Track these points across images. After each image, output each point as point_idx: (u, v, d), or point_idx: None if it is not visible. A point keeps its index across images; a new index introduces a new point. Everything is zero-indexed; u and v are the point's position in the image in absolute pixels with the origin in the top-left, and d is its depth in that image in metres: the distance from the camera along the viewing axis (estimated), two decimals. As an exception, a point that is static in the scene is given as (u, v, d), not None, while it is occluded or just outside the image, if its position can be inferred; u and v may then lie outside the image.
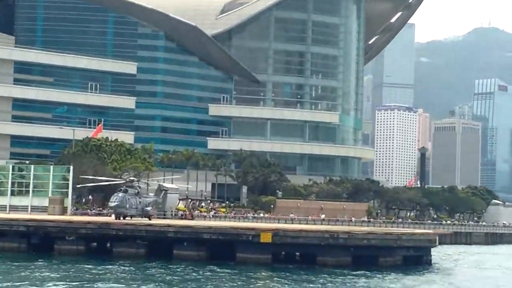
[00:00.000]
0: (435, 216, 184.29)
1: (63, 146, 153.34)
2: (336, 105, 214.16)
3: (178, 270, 61.43)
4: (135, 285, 52.00)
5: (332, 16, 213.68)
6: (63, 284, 51.02)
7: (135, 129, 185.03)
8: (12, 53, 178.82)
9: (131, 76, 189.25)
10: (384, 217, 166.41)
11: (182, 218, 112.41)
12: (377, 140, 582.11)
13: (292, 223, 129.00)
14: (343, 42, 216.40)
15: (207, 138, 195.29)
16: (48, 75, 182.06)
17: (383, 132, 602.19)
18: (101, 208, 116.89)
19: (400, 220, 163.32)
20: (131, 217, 79.32)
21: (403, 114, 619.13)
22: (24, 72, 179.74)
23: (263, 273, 61.72)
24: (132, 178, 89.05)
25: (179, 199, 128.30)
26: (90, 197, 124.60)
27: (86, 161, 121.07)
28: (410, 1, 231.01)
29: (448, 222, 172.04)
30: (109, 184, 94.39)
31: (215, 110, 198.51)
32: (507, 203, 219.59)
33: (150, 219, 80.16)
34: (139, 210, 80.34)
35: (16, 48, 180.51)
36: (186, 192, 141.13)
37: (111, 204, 79.21)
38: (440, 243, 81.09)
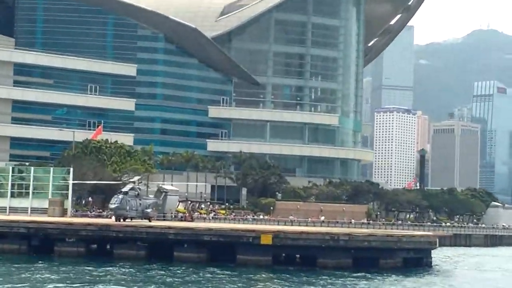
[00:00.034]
0: (434, 218, 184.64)
1: (63, 148, 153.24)
2: (336, 107, 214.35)
3: (179, 272, 61.36)
4: (135, 287, 51.98)
5: (332, 18, 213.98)
6: (63, 286, 50.94)
7: (134, 131, 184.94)
8: (12, 55, 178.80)
9: (130, 78, 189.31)
10: (383, 219, 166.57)
11: (182, 220, 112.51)
12: (376, 142, 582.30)
13: (292, 225, 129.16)
14: (343, 44, 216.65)
15: (207, 140, 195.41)
16: (48, 77, 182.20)
17: (382, 134, 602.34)
18: (101, 210, 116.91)
19: (399, 222, 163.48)
20: (131, 219, 79.27)
21: (402, 116, 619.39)
22: (24, 74, 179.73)
23: (264, 275, 61.64)
24: (133, 180, 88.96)
25: (179, 201, 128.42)
26: (90, 199, 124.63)
27: (86, 163, 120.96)
28: (409, 3, 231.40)
29: (448, 224, 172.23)
30: (110, 186, 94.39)
31: (214, 112, 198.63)
32: (506, 205, 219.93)
33: (150, 221, 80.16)
34: (139, 212, 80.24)
35: (16, 50, 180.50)
36: (186, 194, 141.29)
37: (111, 206, 79.13)
38: (439, 245, 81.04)
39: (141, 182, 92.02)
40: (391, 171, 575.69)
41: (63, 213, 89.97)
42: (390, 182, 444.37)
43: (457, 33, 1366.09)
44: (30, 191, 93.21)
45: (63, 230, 71.21)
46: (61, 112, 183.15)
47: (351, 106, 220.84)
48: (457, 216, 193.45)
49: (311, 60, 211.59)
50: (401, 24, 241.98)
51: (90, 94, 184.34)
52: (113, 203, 78.44)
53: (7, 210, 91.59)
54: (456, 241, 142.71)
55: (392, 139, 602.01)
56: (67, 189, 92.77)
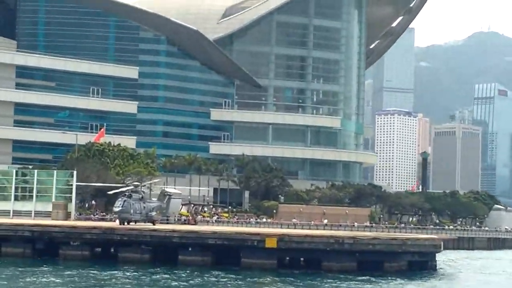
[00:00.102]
0: (437, 221, 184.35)
1: (65, 151, 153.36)
2: (338, 110, 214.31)
3: (183, 275, 61.35)
4: (140, 291, 52.02)
5: (334, 21, 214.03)
6: (68, 290, 51.00)
7: (137, 133, 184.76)
8: (14, 58, 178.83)
9: (132, 81, 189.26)
10: (386, 222, 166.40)
11: (185, 223, 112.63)
12: (377, 145, 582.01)
13: (295, 228, 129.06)
14: (345, 46, 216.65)
15: (209, 142, 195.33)
16: (50, 79, 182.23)
17: (383, 136, 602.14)
18: (104, 213, 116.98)
19: (402, 225, 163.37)
20: (135, 222, 79.20)
21: (403, 118, 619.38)
22: (26, 76, 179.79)
23: (268, 279, 61.62)
24: (136, 183, 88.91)
25: (182, 204, 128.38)
26: (93, 202, 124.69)
27: (89, 166, 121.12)
28: (411, 5, 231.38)
29: (451, 227, 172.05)
30: (113, 189, 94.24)
31: (216, 114, 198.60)
32: (509, 208, 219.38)
33: (154, 224, 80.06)
34: (143, 215, 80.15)
35: (18, 52, 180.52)
36: (189, 197, 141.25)
37: (116, 209, 79.05)
38: (443, 248, 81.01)
39: (144, 185, 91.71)
40: (392, 174, 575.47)
41: (67, 216, 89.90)
42: (391, 185, 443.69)
43: (458, 35, 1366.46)
44: (34, 194, 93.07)
45: (68, 233, 71.27)
46: (63, 115, 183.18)
47: (353, 108, 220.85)
48: (460, 219, 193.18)
49: (313, 62, 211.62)
50: (402, 26, 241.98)
51: (92, 97, 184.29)
52: (117, 206, 78.33)
53: (11, 214, 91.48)
54: (459, 244, 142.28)
55: (393, 142, 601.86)
56: (71, 192, 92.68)
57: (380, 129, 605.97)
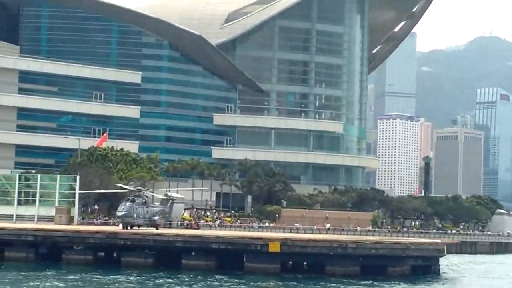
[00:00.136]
0: (440, 225, 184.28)
1: (68, 156, 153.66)
2: (340, 115, 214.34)
3: (187, 279, 61.39)
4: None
5: (336, 26, 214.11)
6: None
7: (139, 138, 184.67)
8: (16, 63, 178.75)
9: (135, 86, 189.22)
10: (388, 227, 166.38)
11: (187, 228, 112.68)
12: (379, 149, 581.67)
13: (298, 232, 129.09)
14: (347, 51, 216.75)
15: (212, 147, 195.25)
16: (53, 84, 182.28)
17: (385, 141, 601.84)
18: (107, 218, 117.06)
19: (405, 229, 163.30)
20: (139, 227, 79.22)
21: (405, 123, 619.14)
22: (29, 81, 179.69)
23: (272, 283, 61.63)
24: (139, 188, 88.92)
25: (185, 209, 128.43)
26: (96, 206, 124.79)
27: (92, 171, 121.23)
28: (413, 10, 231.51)
29: (454, 231, 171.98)
30: (116, 194, 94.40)
31: (219, 119, 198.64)
32: (511, 212, 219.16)
33: (157, 229, 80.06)
34: (146, 219, 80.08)
35: (21, 57, 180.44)
36: (191, 201, 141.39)
37: (119, 213, 79.00)
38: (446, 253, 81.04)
39: (148, 189, 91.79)
40: (394, 178, 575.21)
41: (70, 221, 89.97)
42: (393, 189, 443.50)
43: (459, 40, 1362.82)
44: (37, 199, 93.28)
45: (71, 238, 71.34)
46: (66, 119, 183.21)
47: (356, 113, 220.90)
48: (462, 224, 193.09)
49: (316, 67, 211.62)
50: (405, 31, 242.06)
51: (94, 102, 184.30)
52: (121, 210, 78.31)
53: (14, 218, 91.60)
54: (462, 248, 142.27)
55: (395, 146, 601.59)
56: (74, 197, 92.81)
57: (382, 133, 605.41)
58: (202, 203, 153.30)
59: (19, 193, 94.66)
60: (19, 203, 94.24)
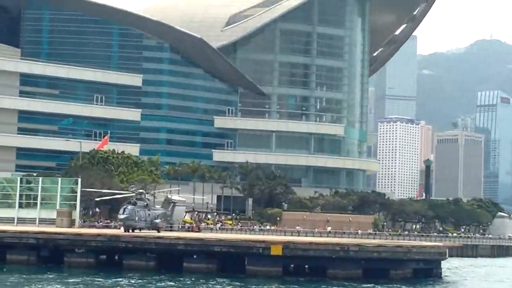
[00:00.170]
0: (440, 228, 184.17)
1: (69, 159, 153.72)
2: (341, 117, 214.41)
3: (188, 282, 61.39)
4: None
5: (337, 28, 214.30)
6: (74, 297, 51.02)
7: (140, 141, 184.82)
8: (17, 66, 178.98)
9: (136, 88, 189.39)
10: (390, 230, 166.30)
11: (188, 231, 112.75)
12: (379, 152, 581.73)
13: (299, 235, 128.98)
14: (348, 54, 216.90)
15: (213, 150, 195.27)
16: (54, 87, 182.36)
17: (386, 144, 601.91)
18: (108, 221, 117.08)
19: (406, 232, 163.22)
20: (140, 230, 79.17)
21: (405, 126, 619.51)
22: (30, 84, 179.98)
23: (274, 286, 61.56)
24: (141, 191, 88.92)
25: (185, 212, 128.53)
26: (97, 209, 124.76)
27: (94, 174, 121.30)
28: (414, 13, 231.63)
29: (455, 234, 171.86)
30: (117, 197, 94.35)
31: (220, 122, 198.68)
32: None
33: (159, 232, 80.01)
34: (148, 222, 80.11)
35: (22, 60, 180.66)
36: (192, 204, 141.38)
37: (121, 216, 78.99)
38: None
39: (148, 193, 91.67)
40: (394, 182, 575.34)
41: (71, 223, 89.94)
42: (394, 192, 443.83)
43: (460, 43, 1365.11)
44: (38, 201, 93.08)
45: (73, 240, 71.23)
46: (67, 122, 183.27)
47: (357, 116, 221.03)
48: (463, 227, 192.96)
49: (316, 70, 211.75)
50: (406, 34, 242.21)
51: (95, 104, 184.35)
52: (122, 213, 78.27)
53: (15, 221, 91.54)
54: (463, 251, 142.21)
55: (395, 149, 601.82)
56: (75, 200, 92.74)
57: (383, 136, 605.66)
58: (203, 206, 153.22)
59: (21, 196, 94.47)
60: (20, 206, 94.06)
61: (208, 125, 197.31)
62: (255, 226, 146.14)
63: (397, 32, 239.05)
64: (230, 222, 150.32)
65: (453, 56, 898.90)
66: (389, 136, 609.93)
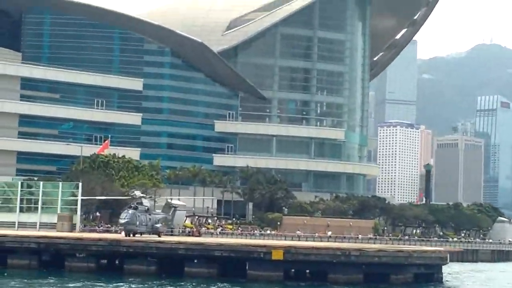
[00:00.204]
0: (441, 233, 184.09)
1: (69, 163, 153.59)
2: (342, 122, 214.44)
3: (189, 287, 61.32)
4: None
5: (338, 33, 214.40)
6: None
7: (141, 145, 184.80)
8: (18, 70, 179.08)
9: (137, 93, 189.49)
10: (390, 234, 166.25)
11: (189, 235, 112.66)
12: (379, 157, 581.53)
13: (299, 240, 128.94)
14: (349, 58, 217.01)
15: (213, 154, 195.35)
16: (55, 91, 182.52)
17: (386, 148, 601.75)
18: (109, 225, 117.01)
19: (406, 237, 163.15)
20: (141, 234, 79.10)
21: (405, 130, 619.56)
22: (31, 88, 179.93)
23: (275, 291, 61.63)
24: (142, 195, 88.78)
25: (186, 216, 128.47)
26: (98, 213, 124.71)
27: (94, 178, 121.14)
28: (415, 17, 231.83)
29: (455, 239, 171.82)
30: (117, 201, 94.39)
31: (221, 126, 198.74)
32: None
33: (159, 236, 79.94)
34: (149, 227, 79.95)
35: (23, 64, 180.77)
36: (193, 209, 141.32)
37: (121, 221, 78.80)
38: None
39: (150, 197, 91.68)
40: (394, 186, 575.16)
41: (72, 228, 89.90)
42: (394, 197, 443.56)
43: (460, 47, 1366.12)
44: (39, 206, 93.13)
45: (74, 245, 71.16)
46: (68, 126, 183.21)
47: (357, 120, 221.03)
48: (464, 231, 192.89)
49: (317, 74, 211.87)
50: (406, 39, 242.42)
51: (96, 109, 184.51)
52: (123, 218, 78.16)
53: (16, 225, 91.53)
54: (463, 256, 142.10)
55: (395, 154, 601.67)
56: (76, 204, 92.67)
57: (383, 141, 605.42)
58: (204, 211, 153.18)
59: (21, 200, 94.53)
60: (21, 210, 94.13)
61: (208, 129, 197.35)
62: (255, 231, 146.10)
63: (398, 37, 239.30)
64: (231, 226, 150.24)
65: (453, 60, 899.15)
66: (389, 140, 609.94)
